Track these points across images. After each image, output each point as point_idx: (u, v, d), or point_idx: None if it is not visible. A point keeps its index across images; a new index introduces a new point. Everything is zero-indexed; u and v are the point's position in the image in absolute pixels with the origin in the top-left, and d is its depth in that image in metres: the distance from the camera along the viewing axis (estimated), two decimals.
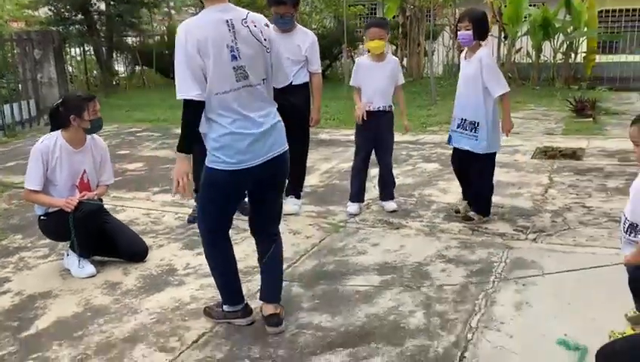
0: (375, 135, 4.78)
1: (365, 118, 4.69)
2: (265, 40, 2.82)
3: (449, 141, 4.64)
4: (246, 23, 2.76)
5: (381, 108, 4.71)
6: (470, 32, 4.25)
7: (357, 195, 4.92)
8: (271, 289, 3.11)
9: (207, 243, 3.04)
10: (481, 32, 4.30)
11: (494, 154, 4.51)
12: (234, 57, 2.71)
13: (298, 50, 4.62)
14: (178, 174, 2.79)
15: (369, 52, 4.75)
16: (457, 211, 4.72)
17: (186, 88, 2.66)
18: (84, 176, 3.90)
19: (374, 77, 4.69)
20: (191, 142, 2.78)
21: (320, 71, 4.85)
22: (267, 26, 2.86)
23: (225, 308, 3.11)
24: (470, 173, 4.57)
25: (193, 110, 2.70)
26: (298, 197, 4.99)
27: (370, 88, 4.71)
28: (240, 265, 3.81)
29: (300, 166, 4.95)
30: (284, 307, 3.15)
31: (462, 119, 4.45)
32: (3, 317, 3.30)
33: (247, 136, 2.76)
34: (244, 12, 2.81)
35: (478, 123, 4.35)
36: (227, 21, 2.71)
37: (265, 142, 2.83)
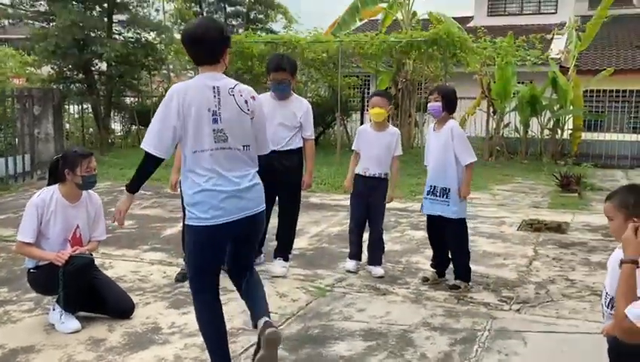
0: (368, 201, 4.95)
1: (352, 187, 4.96)
2: (249, 110, 3.02)
3: (421, 208, 4.82)
4: (232, 92, 2.98)
5: (376, 175, 4.91)
6: (440, 104, 4.53)
7: (355, 253, 5.08)
8: (258, 307, 3.12)
9: (195, 303, 3.10)
10: (449, 105, 4.59)
11: (465, 220, 4.69)
12: (215, 120, 2.91)
13: (293, 117, 4.80)
14: (117, 209, 3.10)
15: (370, 120, 5.03)
16: (426, 279, 4.81)
17: (149, 141, 2.92)
18: (77, 230, 3.95)
19: (373, 145, 4.94)
20: (139, 186, 3.05)
21: (313, 137, 5.03)
22: (254, 98, 3.07)
23: None
24: (445, 241, 4.71)
25: (151, 162, 2.96)
26: (286, 259, 5.04)
27: (368, 155, 4.95)
28: (240, 321, 3.83)
29: (291, 229, 5.03)
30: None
31: (432, 186, 4.64)
32: None
33: (221, 193, 2.92)
34: (232, 82, 3.04)
35: (449, 189, 4.55)
36: (214, 87, 2.93)
37: (239, 200, 2.96)
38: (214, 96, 2.91)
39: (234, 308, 4.13)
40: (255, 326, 3.12)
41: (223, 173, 2.93)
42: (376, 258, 5.04)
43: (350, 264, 5.05)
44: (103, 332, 3.78)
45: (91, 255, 4.05)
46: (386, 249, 5.38)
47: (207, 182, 2.91)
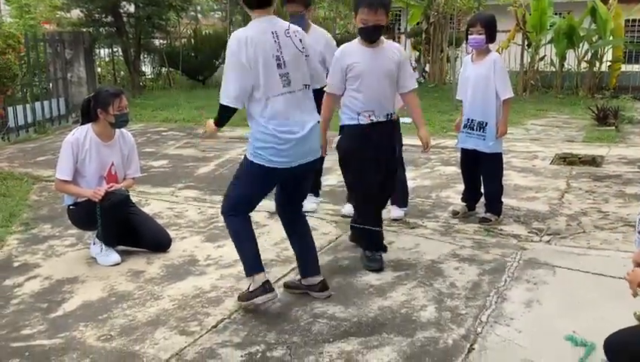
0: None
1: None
2: (304, 48, 3.13)
3: (457, 143, 4.77)
4: (288, 33, 3.09)
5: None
6: (483, 37, 4.38)
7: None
8: (311, 264, 3.43)
9: (229, 217, 3.27)
10: (492, 36, 4.44)
11: (501, 155, 4.64)
12: (279, 65, 3.03)
13: (313, 51, 4.64)
14: (209, 130, 3.26)
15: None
16: (456, 213, 4.81)
17: (228, 94, 3.04)
18: (112, 168, 4.07)
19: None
20: (224, 125, 3.21)
21: None
22: (303, 34, 3.20)
23: (250, 288, 3.21)
24: (479, 175, 4.68)
25: (229, 113, 3.11)
26: (317, 195, 5.10)
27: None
28: (272, 254, 3.96)
29: (321, 164, 5.00)
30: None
31: (469, 119, 4.56)
32: (33, 300, 3.47)
33: (289, 140, 3.06)
34: (285, 23, 3.14)
35: (486, 123, 4.47)
36: (273, 32, 3.03)
37: (303, 146, 3.13)
38: (275, 41, 3.02)
39: (266, 241, 4.25)
40: (305, 276, 3.41)
41: (292, 118, 3.08)
42: (395, 198, 4.65)
43: (347, 207, 4.75)
44: (143, 265, 3.95)
45: (127, 191, 4.17)
46: (415, 184, 5.39)
47: (277, 127, 3.04)
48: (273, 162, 3.08)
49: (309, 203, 4.90)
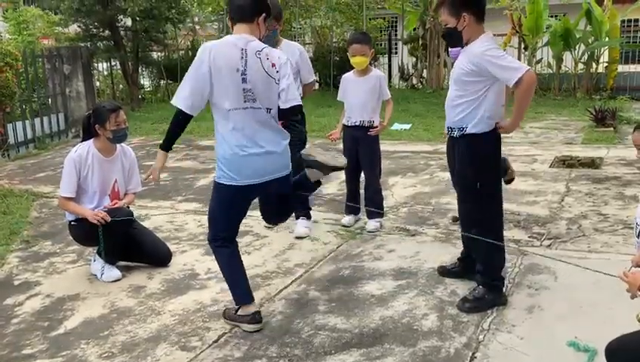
0: (357, 153, 4.73)
1: (339, 135, 4.82)
2: (277, 72, 3.08)
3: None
4: (259, 54, 3.04)
5: (357, 123, 4.67)
6: (459, 48, 4.33)
7: (349, 208, 4.91)
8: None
9: (215, 247, 3.27)
10: None
11: None
12: (244, 80, 3.00)
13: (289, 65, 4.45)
14: (153, 168, 3.27)
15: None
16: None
17: (181, 100, 3.00)
18: (115, 185, 4.07)
19: (354, 91, 4.70)
20: (172, 144, 3.19)
21: (313, 79, 4.80)
22: (279, 57, 3.12)
23: (239, 311, 3.22)
24: None
25: (182, 119, 3.05)
26: (309, 217, 4.80)
27: (350, 102, 4.74)
28: (259, 270, 3.96)
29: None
30: None
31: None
32: (34, 318, 3.47)
33: (253, 155, 3.04)
34: (261, 45, 3.08)
35: None
36: (242, 49, 3.01)
37: (267, 162, 3.10)
38: (241, 58, 2.99)
39: (267, 253, 4.25)
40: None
41: (253, 134, 3.04)
42: (371, 212, 4.75)
43: (345, 219, 4.88)
44: (143, 280, 3.94)
45: (128, 208, 4.17)
46: (415, 191, 5.38)
47: (238, 142, 3.03)
48: (237, 180, 3.05)
49: (301, 228, 4.68)
